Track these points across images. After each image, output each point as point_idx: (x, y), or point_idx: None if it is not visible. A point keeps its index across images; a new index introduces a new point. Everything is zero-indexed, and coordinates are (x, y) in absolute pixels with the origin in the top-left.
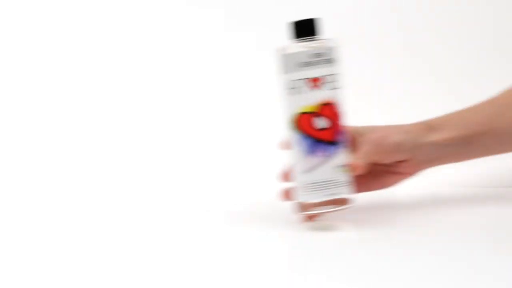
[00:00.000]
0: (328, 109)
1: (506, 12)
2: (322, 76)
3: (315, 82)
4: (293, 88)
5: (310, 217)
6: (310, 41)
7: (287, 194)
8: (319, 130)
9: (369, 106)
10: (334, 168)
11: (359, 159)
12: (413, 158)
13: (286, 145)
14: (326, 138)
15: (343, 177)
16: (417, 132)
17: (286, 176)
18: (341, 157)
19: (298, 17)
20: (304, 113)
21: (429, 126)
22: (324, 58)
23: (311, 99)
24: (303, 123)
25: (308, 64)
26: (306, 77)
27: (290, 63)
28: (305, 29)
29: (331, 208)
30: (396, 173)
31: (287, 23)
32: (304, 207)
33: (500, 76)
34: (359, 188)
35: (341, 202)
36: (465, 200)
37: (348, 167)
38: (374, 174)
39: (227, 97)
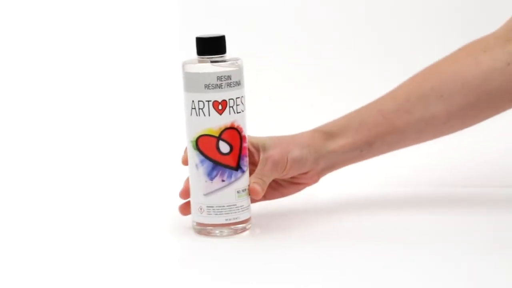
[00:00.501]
0: (231, 134)
1: None
2: (227, 99)
3: (219, 105)
4: (194, 108)
5: (206, 234)
6: (216, 61)
7: (185, 210)
8: (222, 154)
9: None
10: (234, 193)
11: (259, 181)
12: (314, 169)
13: (186, 162)
14: (228, 163)
15: (243, 201)
16: (316, 144)
17: (186, 193)
18: (242, 181)
19: (206, 33)
20: (207, 135)
21: (327, 134)
22: (230, 81)
23: (215, 122)
24: (206, 146)
25: (213, 87)
26: (210, 99)
27: (193, 82)
28: (212, 47)
29: (227, 231)
30: (296, 183)
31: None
32: (200, 226)
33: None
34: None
35: (239, 228)
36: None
37: (248, 190)
38: (273, 186)
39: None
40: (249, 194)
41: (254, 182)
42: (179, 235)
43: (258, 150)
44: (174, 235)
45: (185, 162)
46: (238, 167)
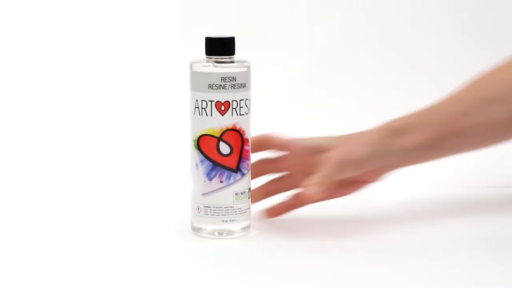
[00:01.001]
0: (232, 136)
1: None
2: (230, 101)
3: (222, 106)
4: (198, 108)
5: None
6: (221, 61)
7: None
8: (222, 155)
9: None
10: (233, 195)
11: (319, 183)
12: (378, 167)
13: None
14: (228, 164)
15: (241, 204)
16: (381, 142)
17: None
18: (241, 184)
19: (215, 33)
20: (208, 135)
21: (393, 131)
22: (235, 82)
23: (216, 123)
24: (206, 145)
25: (216, 87)
26: (213, 99)
27: (198, 82)
28: (219, 47)
29: (222, 234)
30: (357, 182)
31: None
32: (196, 227)
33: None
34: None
35: (233, 230)
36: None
37: (248, 193)
38: (333, 186)
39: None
40: (298, 198)
41: (308, 186)
42: (179, 235)
43: (314, 151)
44: (174, 235)
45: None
46: (237, 169)
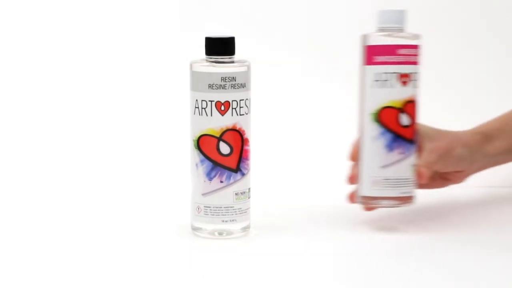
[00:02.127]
0: (232, 135)
1: None
2: (230, 101)
3: (222, 106)
4: (198, 107)
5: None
6: (220, 61)
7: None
8: (222, 155)
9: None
10: (233, 195)
11: (424, 167)
12: (468, 169)
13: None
14: (228, 164)
15: (242, 204)
16: (475, 145)
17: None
18: (241, 184)
19: (215, 33)
20: (208, 135)
21: (486, 136)
22: (235, 82)
23: (216, 122)
24: (206, 145)
25: (216, 87)
26: (213, 99)
27: (198, 81)
28: (219, 47)
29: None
30: (446, 179)
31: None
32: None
33: None
34: None
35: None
36: None
37: (248, 193)
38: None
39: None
40: (416, 176)
41: (421, 166)
42: (179, 235)
43: (419, 136)
44: (174, 235)
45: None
46: (237, 169)
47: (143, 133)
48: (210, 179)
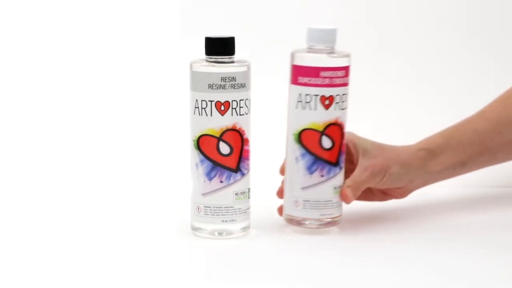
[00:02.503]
0: (232, 135)
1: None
2: (230, 101)
3: (221, 106)
4: (198, 108)
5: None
6: (220, 61)
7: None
8: (222, 155)
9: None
10: (233, 195)
11: (353, 187)
12: (407, 186)
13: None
14: (228, 164)
15: (242, 204)
16: (417, 163)
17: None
18: (241, 184)
19: (215, 33)
20: (208, 135)
21: (430, 152)
22: (235, 82)
23: (216, 122)
24: (206, 145)
25: (216, 87)
26: (213, 99)
27: (198, 81)
28: (219, 47)
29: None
30: (387, 194)
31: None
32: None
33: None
34: None
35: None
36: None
37: (248, 193)
38: (364, 190)
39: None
40: (341, 197)
41: (347, 186)
42: (179, 235)
43: (357, 151)
44: (174, 235)
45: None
46: (237, 169)
47: (143, 133)
48: (210, 179)
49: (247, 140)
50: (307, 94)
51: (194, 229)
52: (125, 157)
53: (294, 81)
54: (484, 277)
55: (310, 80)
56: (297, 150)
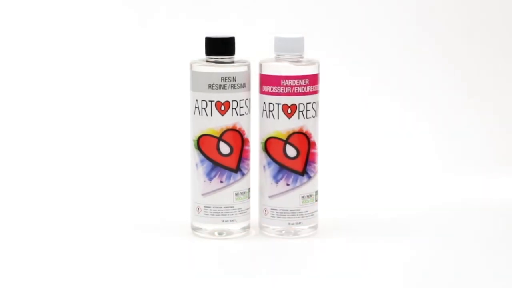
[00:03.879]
0: (233, 136)
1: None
2: (230, 101)
3: (222, 106)
4: (198, 108)
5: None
6: (220, 61)
7: None
8: (222, 155)
9: None
10: (233, 195)
11: None
12: None
13: None
14: (228, 164)
15: (242, 204)
16: None
17: None
18: (241, 184)
19: (215, 33)
20: (208, 135)
21: None
22: (235, 83)
23: (216, 123)
24: (206, 145)
25: (216, 87)
26: (213, 99)
27: (198, 82)
28: (219, 47)
29: (222, 234)
30: None
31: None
32: (195, 227)
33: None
34: None
35: (233, 230)
36: None
37: (249, 193)
38: None
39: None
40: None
41: None
42: (179, 235)
43: None
44: (174, 235)
45: None
46: (237, 169)
47: (143, 133)
48: (210, 179)
49: (247, 140)
50: (270, 103)
51: (194, 229)
52: (125, 157)
53: (260, 89)
54: (484, 277)
55: (272, 89)
56: (264, 158)
